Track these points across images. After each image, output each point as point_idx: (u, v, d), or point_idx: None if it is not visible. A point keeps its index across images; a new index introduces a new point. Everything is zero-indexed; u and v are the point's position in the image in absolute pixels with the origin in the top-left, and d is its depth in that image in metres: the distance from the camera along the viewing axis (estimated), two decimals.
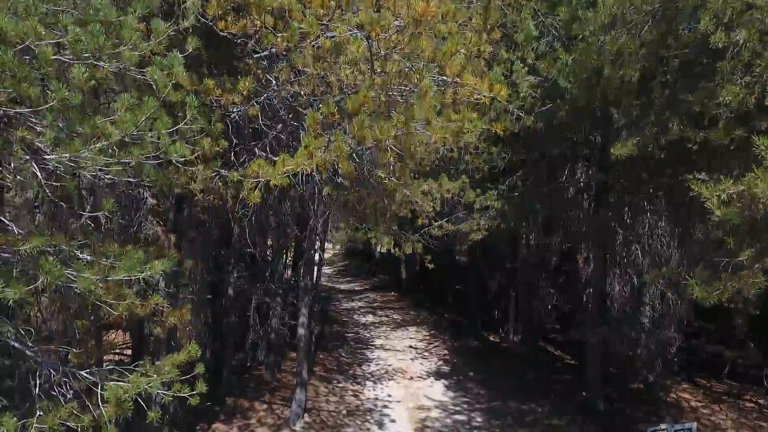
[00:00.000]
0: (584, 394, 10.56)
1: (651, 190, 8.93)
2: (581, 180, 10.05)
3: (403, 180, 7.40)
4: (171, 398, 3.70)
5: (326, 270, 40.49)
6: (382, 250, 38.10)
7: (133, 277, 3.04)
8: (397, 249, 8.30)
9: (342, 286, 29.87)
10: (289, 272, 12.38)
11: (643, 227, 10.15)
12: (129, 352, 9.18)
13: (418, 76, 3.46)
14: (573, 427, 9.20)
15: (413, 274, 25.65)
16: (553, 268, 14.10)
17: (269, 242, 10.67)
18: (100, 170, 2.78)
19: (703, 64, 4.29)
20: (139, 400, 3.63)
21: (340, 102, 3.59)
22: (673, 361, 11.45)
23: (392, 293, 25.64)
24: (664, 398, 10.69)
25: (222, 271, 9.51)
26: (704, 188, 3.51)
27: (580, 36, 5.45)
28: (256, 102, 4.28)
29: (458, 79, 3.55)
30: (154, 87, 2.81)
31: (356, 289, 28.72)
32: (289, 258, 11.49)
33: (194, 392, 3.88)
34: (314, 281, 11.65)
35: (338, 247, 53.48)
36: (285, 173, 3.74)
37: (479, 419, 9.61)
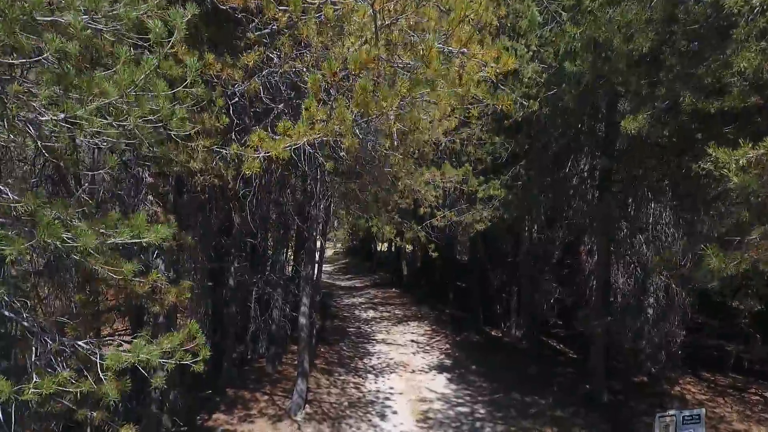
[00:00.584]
0: (587, 386, 10.47)
1: (656, 179, 8.84)
2: (585, 169, 9.96)
3: (405, 164, 7.33)
4: (174, 365, 3.59)
5: (327, 267, 40.39)
6: (382, 248, 38.29)
7: (133, 242, 2.94)
8: (398, 239, 8.21)
9: (342, 283, 29.79)
10: (291, 264, 12.30)
11: (647, 218, 10.05)
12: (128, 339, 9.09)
13: (423, 47, 3.36)
14: (577, 419, 9.10)
15: (414, 270, 25.61)
16: (556, 262, 14.00)
17: (270, 234, 10.58)
18: (97, 133, 2.68)
19: (716, 33, 4.19)
20: (141, 369, 3.54)
21: (344, 71, 3.49)
22: (677, 354, 11.34)
23: (393, 290, 25.54)
24: (668, 391, 10.59)
25: (222, 261, 9.42)
26: (722, 153, 3.40)
27: (589, 9, 5.35)
28: (257, 78, 4.19)
29: (465, 50, 3.46)
30: (153, 44, 2.70)
31: (357, 285, 28.62)
32: (290, 250, 11.38)
33: (197, 359, 3.76)
34: (316, 271, 11.58)
35: (339, 245, 53.71)
36: (286, 148, 3.65)
37: (482, 411, 9.52)
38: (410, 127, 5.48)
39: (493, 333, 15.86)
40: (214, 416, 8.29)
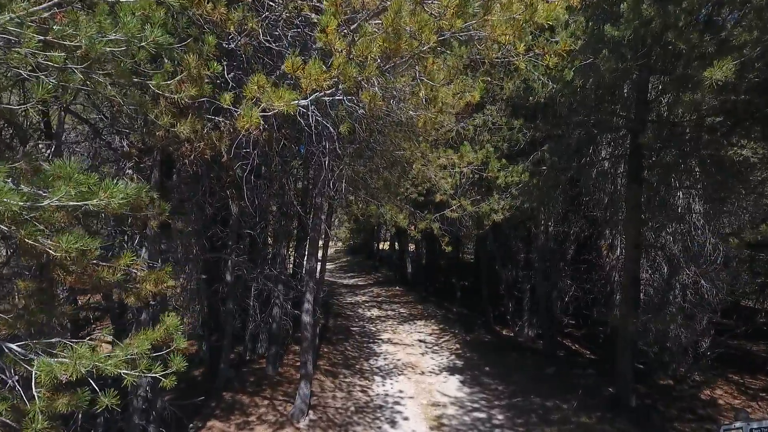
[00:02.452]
0: (611, 389, 9.75)
1: (691, 166, 8.13)
2: (614, 154, 9.22)
3: (421, 145, 6.60)
4: (135, 378, 2.86)
5: (329, 266, 39.72)
6: (383, 247, 37.55)
7: (77, 204, 2.20)
8: (412, 228, 7.49)
9: (345, 281, 29.10)
10: (292, 258, 11.56)
11: (676, 208, 9.32)
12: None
13: None
14: (604, 425, 8.37)
15: (418, 268, 24.86)
16: (572, 258, 13.27)
17: (270, 225, 9.83)
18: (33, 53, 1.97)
19: None
20: (93, 383, 2.81)
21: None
22: (706, 356, 10.62)
23: (397, 288, 24.84)
24: (697, 395, 9.87)
25: (219, 253, 8.69)
26: None
27: None
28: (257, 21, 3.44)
29: None
30: None
31: (359, 284, 27.92)
32: (293, 243, 10.63)
33: (168, 371, 3.04)
34: (319, 266, 10.86)
35: (340, 244, 53.04)
36: (294, 102, 2.92)
37: (500, 417, 8.80)
38: (431, 95, 4.74)
39: (504, 332, 15.14)
40: (209, 423, 7.56)
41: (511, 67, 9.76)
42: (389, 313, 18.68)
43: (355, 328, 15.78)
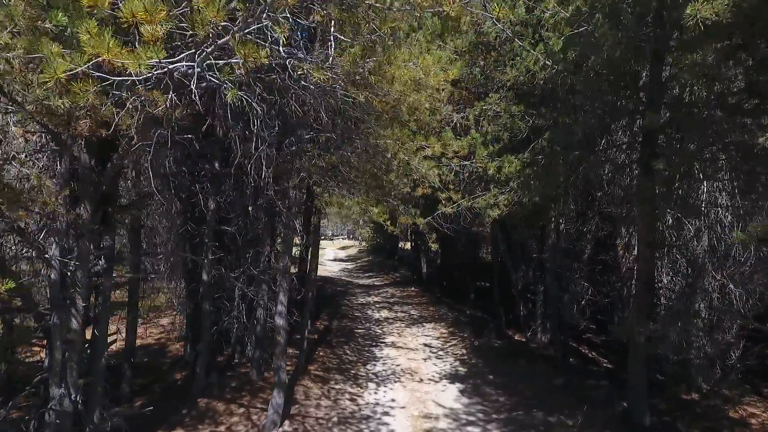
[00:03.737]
0: (624, 404, 8.79)
1: (713, 152, 7.13)
2: (624, 142, 8.28)
3: (398, 130, 5.90)
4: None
5: (348, 266, 39.41)
6: (405, 246, 36.90)
7: None
8: (389, 223, 6.77)
9: (361, 281, 28.52)
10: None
11: (699, 202, 8.30)
12: None
13: None
14: None
15: (434, 268, 24.06)
16: (588, 258, 12.26)
17: (251, 222, 9.29)
18: None
19: None
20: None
21: None
22: (735, 368, 9.51)
23: (412, 288, 24.12)
24: (725, 412, 8.80)
25: (194, 252, 8.22)
26: None
27: None
28: None
29: None
30: None
31: (375, 284, 27.31)
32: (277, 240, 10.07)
33: None
34: (309, 265, 10.29)
35: (364, 243, 52.67)
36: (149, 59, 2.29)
37: None
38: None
39: (516, 337, 14.22)
40: None
41: (513, 52, 9.03)
42: (399, 314, 17.98)
43: (359, 330, 15.16)
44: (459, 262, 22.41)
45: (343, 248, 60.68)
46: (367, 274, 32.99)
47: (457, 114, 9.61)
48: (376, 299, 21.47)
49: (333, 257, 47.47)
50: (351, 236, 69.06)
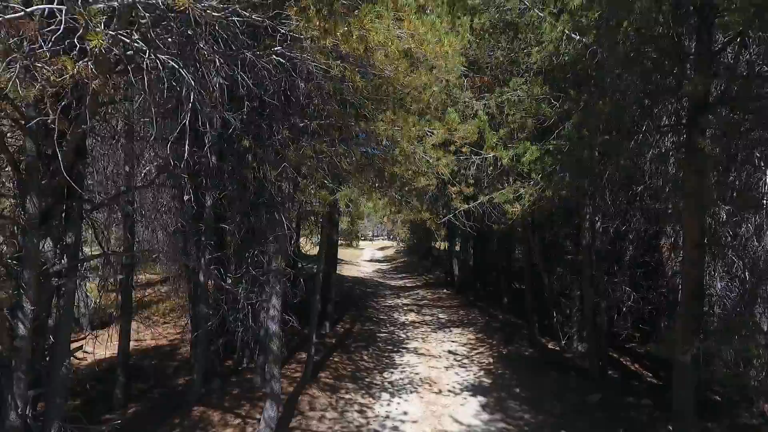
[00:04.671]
0: (670, 428, 7.66)
1: None
2: (666, 125, 7.18)
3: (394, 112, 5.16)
4: None
5: (383, 266, 38.80)
6: (441, 246, 36.02)
7: None
8: (388, 220, 5.97)
9: (393, 283, 27.81)
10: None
11: (759, 194, 7.08)
12: None
13: None
14: None
15: (467, 270, 23.03)
16: (629, 260, 11.03)
17: (253, 219, 8.73)
18: None
19: None
20: None
21: None
22: None
23: (444, 291, 23.19)
24: None
25: (188, 252, 7.75)
26: None
27: None
28: None
29: None
30: None
31: (407, 285, 26.51)
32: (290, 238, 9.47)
33: None
34: (318, 267, 9.67)
35: (401, 244, 52.16)
36: None
37: None
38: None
39: (549, 346, 13.09)
40: None
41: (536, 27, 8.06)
42: (426, 318, 17.14)
43: (382, 335, 14.44)
44: (493, 264, 21.30)
45: (382, 249, 60.40)
46: (400, 275, 32.27)
47: (478, 102, 8.73)
48: (405, 301, 20.70)
49: (370, 257, 47.12)
50: (390, 237, 68.78)
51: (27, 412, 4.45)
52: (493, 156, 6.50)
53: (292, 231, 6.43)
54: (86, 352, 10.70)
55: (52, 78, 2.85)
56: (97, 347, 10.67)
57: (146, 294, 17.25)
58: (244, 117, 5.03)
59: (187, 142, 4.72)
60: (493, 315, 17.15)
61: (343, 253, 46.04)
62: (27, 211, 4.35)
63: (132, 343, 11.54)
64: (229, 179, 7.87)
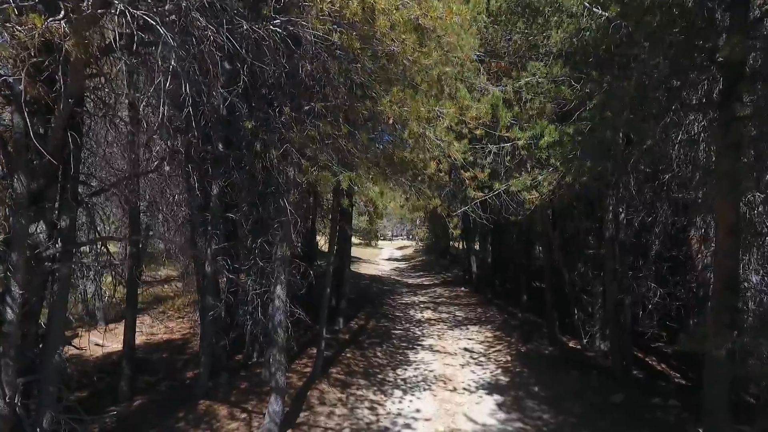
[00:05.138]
0: (700, 430, 7.16)
1: None
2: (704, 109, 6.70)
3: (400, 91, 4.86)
4: None
5: (401, 265, 38.46)
6: (459, 245, 35.52)
7: None
8: (397, 205, 5.63)
9: (411, 281, 27.45)
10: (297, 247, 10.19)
11: None
12: None
13: None
14: None
15: (486, 268, 22.53)
16: (655, 255, 10.48)
17: (261, 208, 8.49)
18: None
19: None
20: None
21: None
22: None
23: (462, 288, 22.77)
24: None
25: (195, 242, 7.57)
26: None
27: None
28: None
29: None
30: None
31: (424, 283, 26.14)
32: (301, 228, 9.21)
33: None
34: (328, 260, 9.41)
35: (420, 243, 51.88)
36: None
37: None
38: None
39: (570, 344, 12.59)
40: None
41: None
42: (443, 315, 16.77)
43: (397, 332, 14.12)
44: (512, 261, 20.77)
45: (400, 248, 60.20)
46: (417, 273, 31.90)
47: (494, 86, 8.36)
48: (421, 299, 20.35)
49: (389, 256, 46.91)
50: (409, 237, 68.50)
51: (16, 400, 4.28)
52: (511, 145, 6.12)
53: (296, 217, 6.16)
54: (98, 345, 10.69)
55: (20, 36, 2.62)
56: (111, 340, 10.68)
57: (162, 289, 17.31)
58: (246, 97, 4.79)
59: (186, 119, 4.50)
60: (511, 313, 16.67)
61: (362, 252, 46.06)
62: (15, 191, 4.18)
63: (144, 338, 11.52)
64: (235, 168, 7.66)
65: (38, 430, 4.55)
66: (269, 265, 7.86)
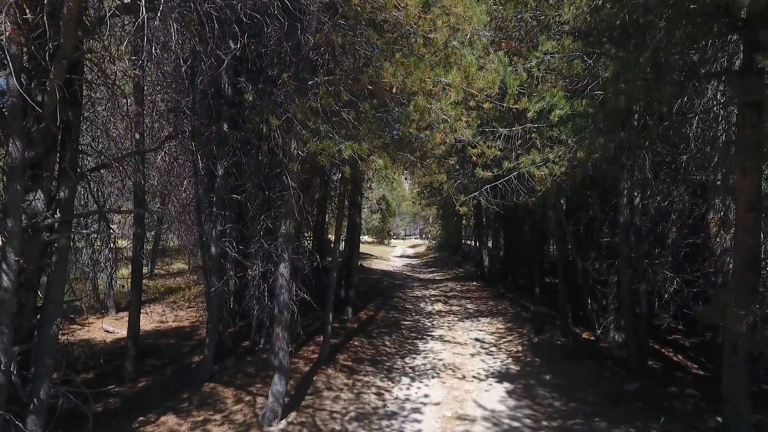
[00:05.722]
0: (719, 419, 6.90)
1: None
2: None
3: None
4: None
5: (413, 261, 38.22)
6: (470, 242, 35.23)
7: None
8: (400, 175, 5.46)
9: (422, 276, 27.25)
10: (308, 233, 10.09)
11: None
12: None
13: None
14: None
15: (497, 261, 22.24)
16: (672, 240, 10.17)
17: (269, 191, 8.40)
18: None
19: None
20: None
21: None
22: None
23: (474, 283, 22.51)
24: None
25: (201, 223, 7.50)
26: None
27: None
28: None
29: None
30: None
31: (436, 278, 25.92)
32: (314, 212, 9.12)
33: None
34: (334, 241, 9.28)
35: (433, 242, 51.80)
36: None
37: None
38: None
39: (584, 335, 12.30)
40: (163, 418, 6.32)
41: None
42: (453, 308, 16.56)
43: (406, 322, 13.96)
44: (524, 254, 20.44)
45: (413, 246, 60.15)
46: (429, 269, 31.68)
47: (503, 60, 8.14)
48: (432, 292, 20.15)
49: (401, 254, 46.81)
50: (422, 236, 68.37)
51: (12, 368, 4.22)
52: (522, 128, 5.91)
53: (299, 192, 6.03)
54: (108, 332, 10.72)
55: None
56: (121, 327, 10.68)
57: (175, 281, 17.39)
58: (248, 72, 4.68)
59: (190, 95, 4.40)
60: (524, 306, 16.39)
61: (374, 249, 46.00)
62: (10, 155, 4.12)
63: (154, 325, 11.53)
64: (240, 149, 7.58)
65: (35, 400, 4.49)
66: (275, 247, 7.76)
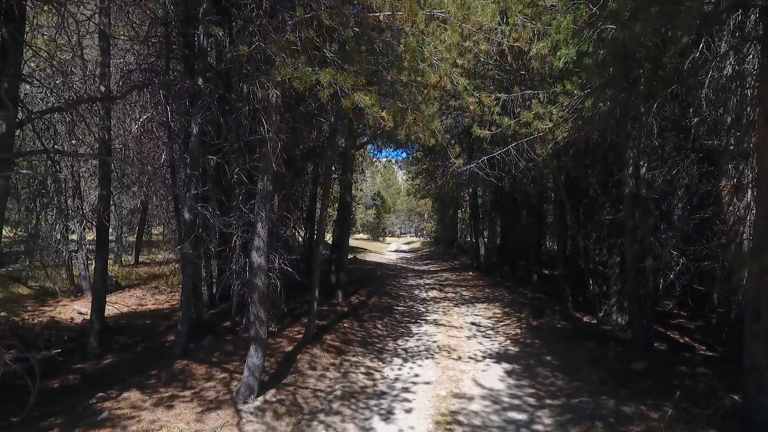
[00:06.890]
0: (736, 397, 6.35)
1: None
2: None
3: None
4: None
5: (408, 255, 37.67)
6: (465, 237, 34.62)
7: None
8: (382, 117, 4.84)
9: (416, 267, 26.70)
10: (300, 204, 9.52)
11: None
12: None
13: None
14: None
15: (494, 250, 21.70)
16: (679, 214, 9.63)
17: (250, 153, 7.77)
18: None
19: None
20: None
21: None
22: None
23: (470, 273, 21.94)
24: None
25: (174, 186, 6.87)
26: None
27: None
28: None
29: None
30: None
31: (431, 269, 25.36)
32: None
33: None
34: (321, 212, 8.67)
35: (428, 238, 51.36)
36: None
37: (547, 420, 5.91)
38: None
39: (585, 319, 11.76)
40: (126, 394, 5.69)
41: None
42: (449, 295, 15.98)
43: (399, 308, 13.38)
44: (522, 246, 19.87)
45: (408, 243, 59.63)
46: (424, 261, 31.14)
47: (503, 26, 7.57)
48: (427, 281, 19.58)
49: (395, 249, 46.33)
50: (417, 233, 67.89)
51: None
52: (515, 45, 5.32)
53: (277, 140, 5.43)
54: (80, 313, 10.07)
55: None
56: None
57: (159, 268, 16.75)
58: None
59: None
60: (521, 293, 15.84)
61: (369, 244, 45.48)
62: None
63: (133, 307, 10.89)
64: (218, 107, 6.96)
65: None
66: (248, 215, 7.15)
